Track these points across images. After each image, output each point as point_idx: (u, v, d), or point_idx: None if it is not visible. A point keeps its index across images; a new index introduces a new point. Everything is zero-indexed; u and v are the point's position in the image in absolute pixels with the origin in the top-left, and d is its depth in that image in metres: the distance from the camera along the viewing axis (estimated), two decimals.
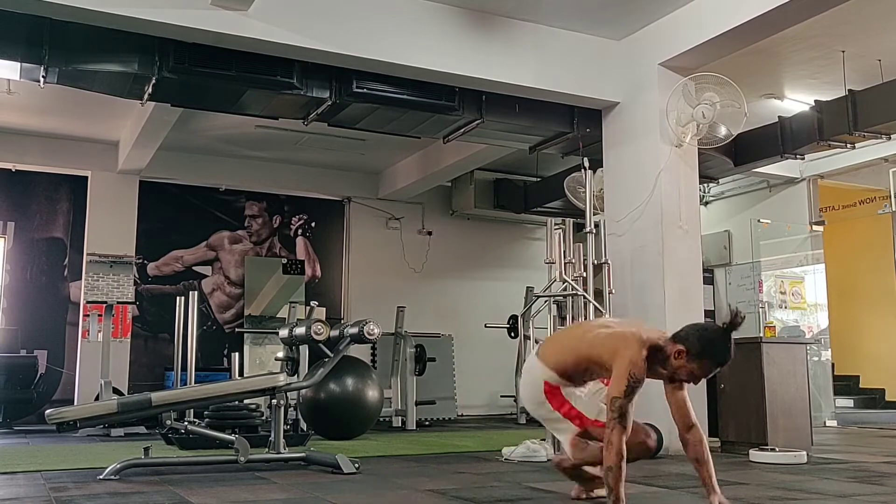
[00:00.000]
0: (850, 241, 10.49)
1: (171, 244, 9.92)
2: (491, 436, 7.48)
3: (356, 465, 4.61)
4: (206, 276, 10.06)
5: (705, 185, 9.64)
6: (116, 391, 7.55)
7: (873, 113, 6.64)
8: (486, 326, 9.94)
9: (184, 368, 7.23)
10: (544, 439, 5.62)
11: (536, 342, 8.15)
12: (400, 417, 8.66)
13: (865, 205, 10.29)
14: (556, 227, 6.08)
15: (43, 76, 5.35)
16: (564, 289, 5.93)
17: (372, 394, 7.28)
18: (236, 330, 9.97)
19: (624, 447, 2.97)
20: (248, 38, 5.30)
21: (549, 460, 5.25)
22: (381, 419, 8.20)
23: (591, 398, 3.40)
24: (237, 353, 7.91)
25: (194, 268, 10.03)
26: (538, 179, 10.05)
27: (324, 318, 5.52)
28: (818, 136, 7.13)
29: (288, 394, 5.40)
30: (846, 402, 9.74)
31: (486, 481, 4.32)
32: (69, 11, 4.90)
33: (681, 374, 3.14)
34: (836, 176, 9.53)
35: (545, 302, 6.17)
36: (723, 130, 6.32)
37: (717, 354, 3.08)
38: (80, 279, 9.23)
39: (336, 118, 6.51)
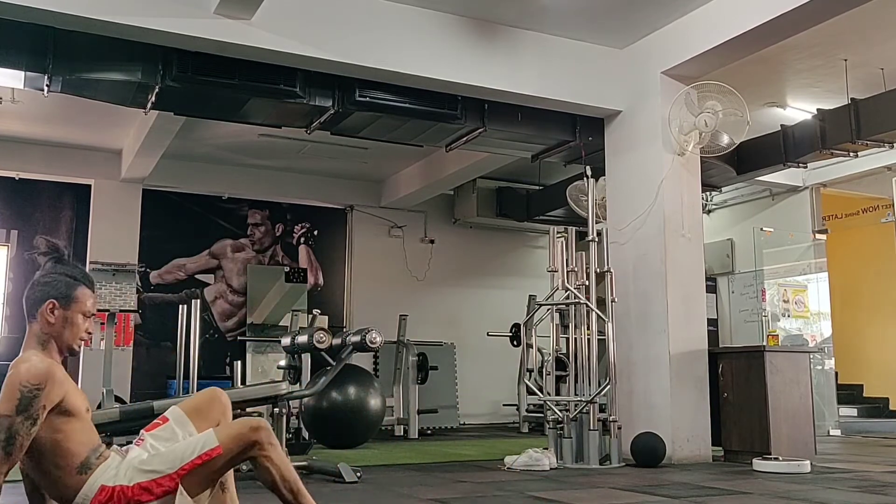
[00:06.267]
0: (853, 250, 10.47)
1: (173, 252, 9.92)
2: (493, 445, 7.46)
3: (358, 474, 4.61)
4: (208, 285, 10.06)
5: (708, 193, 9.64)
6: (119, 399, 7.55)
7: (876, 121, 6.65)
8: (488, 335, 9.94)
9: (186, 377, 7.22)
10: (547, 448, 5.61)
11: (539, 351, 8.20)
12: (402, 426, 8.64)
13: (868, 213, 10.27)
14: (559, 235, 6.08)
15: (47, 85, 5.35)
16: (567, 297, 5.93)
17: (374, 402, 7.27)
18: (238, 338, 9.96)
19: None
20: (251, 46, 5.32)
21: (551, 469, 5.24)
22: (384, 428, 8.18)
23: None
24: (239, 362, 7.91)
25: (197, 276, 10.03)
26: (540, 188, 10.06)
27: (326, 327, 5.51)
28: (821, 144, 7.14)
29: (290, 402, 5.40)
30: (850, 411, 9.70)
31: (488, 490, 4.31)
32: (73, 21, 4.92)
33: (80, 335, 2.40)
34: (838, 184, 9.53)
35: (547, 310, 6.17)
36: (725, 139, 6.33)
37: (85, 278, 2.47)
38: None
39: (339, 127, 6.52)
